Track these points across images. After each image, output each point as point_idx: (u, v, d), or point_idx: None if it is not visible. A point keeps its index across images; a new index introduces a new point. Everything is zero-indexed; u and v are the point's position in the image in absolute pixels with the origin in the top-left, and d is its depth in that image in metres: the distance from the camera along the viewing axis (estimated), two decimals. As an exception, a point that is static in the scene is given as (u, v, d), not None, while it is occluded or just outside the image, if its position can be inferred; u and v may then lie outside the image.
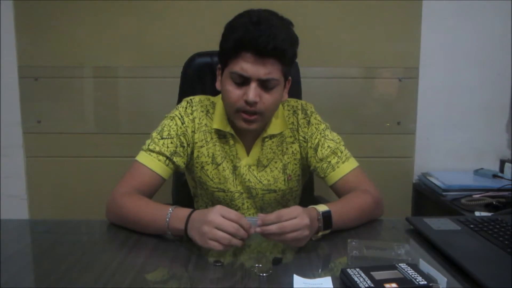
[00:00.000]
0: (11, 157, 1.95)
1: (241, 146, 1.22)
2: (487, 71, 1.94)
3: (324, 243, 0.98)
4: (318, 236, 0.97)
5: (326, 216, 0.97)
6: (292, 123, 1.26)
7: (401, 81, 1.95)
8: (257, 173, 1.24)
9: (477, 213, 1.46)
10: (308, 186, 1.53)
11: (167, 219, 0.96)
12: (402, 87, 1.96)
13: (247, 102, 1.08)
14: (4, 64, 1.90)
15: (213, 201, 1.27)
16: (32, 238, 1.08)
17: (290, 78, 1.19)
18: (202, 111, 1.22)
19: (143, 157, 1.15)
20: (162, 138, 1.17)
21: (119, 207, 1.06)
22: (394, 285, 0.73)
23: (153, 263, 0.90)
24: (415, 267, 0.79)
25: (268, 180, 1.24)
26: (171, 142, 1.17)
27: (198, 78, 1.49)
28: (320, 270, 0.87)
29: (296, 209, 0.91)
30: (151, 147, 1.16)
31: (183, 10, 1.88)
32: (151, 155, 1.15)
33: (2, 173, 1.96)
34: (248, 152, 1.23)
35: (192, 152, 1.23)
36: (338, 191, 1.20)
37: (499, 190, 1.66)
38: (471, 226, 1.04)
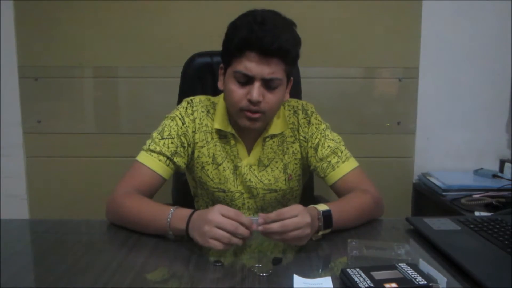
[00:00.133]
0: (11, 157, 1.96)
1: (242, 146, 1.22)
2: (487, 71, 1.95)
3: (324, 243, 0.98)
4: (318, 236, 0.98)
5: (326, 215, 0.97)
6: (293, 123, 1.26)
7: (401, 81, 1.95)
8: (258, 173, 1.24)
9: (477, 213, 1.46)
10: (308, 186, 1.53)
11: (169, 219, 0.96)
12: (402, 87, 1.96)
13: (250, 102, 1.09)
14: (4, 64, 1.90)
15: (214, 201, 1.27)
16: (32, 238, 1.08)
17: (292, 78, 1.19)
18: (203, 112, 1.23)
19: (143, 157, 1.15)
20: (162, 138, 1.17)
21: (119, 207, 1.06)
22: (394, 285, 0.73)
23: (153, 263, 0.90)
24: (415, 267, 0.79)
25: (269, 180, 1.24)
26: (172, 142, 1.17)
27: (198, 78, 1.49)
28: (320, 270, 0.87)
29: (297, 208, 0.91)
30: (151, 147, 1.16)
31: (183, 10, 1.88)
32: (152, 155, 1.15)
33: (2, 173, 1.96)
34: (249, 152, 1.23)
35: (192, 152, 1.23)
36: (338, 191, 1.20)
37: (499, 190, 1.66)
38: (471, 226, 1.04)
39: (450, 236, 0.98)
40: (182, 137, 1.19)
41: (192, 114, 1.22)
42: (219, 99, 1.24)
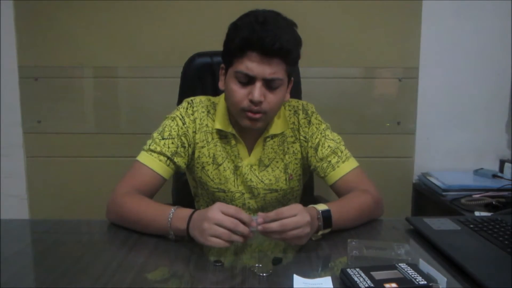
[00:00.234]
0: (11, 157, 1.95)
1: (243, 146, 1.23)
2: (487, 71, 1.95)
3: (324, 243, 0.98)
4: (318, 236, 0.98)
5: (326, 215, 0.97)
6: (293, 123, 1.26)
7: (401, 81, 1.95)
8: (258, 173, 1.24)
9: (477, 213, 1.46)
10: (308, 186, 1.53)
11: (169, 219, 0.96)
12: (402, 87, 1.96)
13: (252, 102, 1.09)
14: (4, 64, 1.90)
15: (214, 201, 1.26)
16: (32, 238, 1.08)
17: (292, 78, 1.19)
18: (203, 112, 1.23)
19: (144, 157, 1.15)
20: (163, 139, 1.17)
21: (119, 206, 1.06)
22: (394, 285, 0.73)
23: (153, 263, 0.90)
24: (415, 267, 0.79)
25: (270, 180, 1.24)
26: (172, 143, 1.17)
27: (198, 78, 1.49)
28: (320, 270, 0.87)
29: (296, 207, 0.91)
30: (152, 147, 1.16)
31: (183, 10, 1.88)
32: (152, 155, 1.15)
33: (2, 173, 1.96)
34: (249, 152, 1.23)
35: (193, 153, 1.23)
36: (338, 190, 1.20)
37: (499, 190, 1.66)
38: (471, 226, 1.04)
39: (450, 236, 0.98)
40: (182, 137, 1.19)
41: (192, 115, 1.22)
42: (220, 99, 1.24)
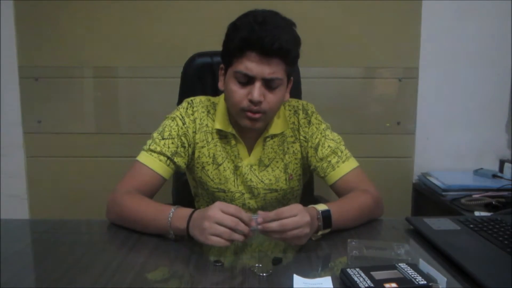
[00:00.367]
0: (11, 157, 1.95)
1: (242, 146, 1.23)
2: (487, 71, 1.95)
3: (324, 243, 0.98)
4: (318, 236, 0.98)
5: (326, 215, 0.97)
6: (293, 123, 1.26)
7: (401, 81, 1.95)
8: (258, 173, 1.24)
9: (477, 213, 1.46)
10: (308, 186, 1.53)
11: (169, 219, 0.96)
12: (402, 87, 1.96)
13: (251, 102, 1.09)
14: (4, 64, 1.90)
15: (214, 201, 1.24)
16: (32, 238, 1.08)
17: (292, 78, 1.19)
18: (203, 112, 1.23)
19: (144, 157, 1.15)
20: (163, 139, 1.17)
21: (120, 206, 1.06)
22: (394, 285, 0.73)
23: (153, 263, 0.90)
24: (415, 267, 0.79)
25: (270, 180, 1.24)
26: (172, 143, 1.18)
27: (198, 78, 1.49)
28: (320, 270, 0.87)
29: (296, 207, 0.91)
30: (152, 147, 1.16)
31: (183, 10, 1.88)
32: (152, 155, 1.15)
33: (2, 173, 1.96)
34: (249, 152, 1.23)
35: (193, 153, 1.23)
36: (338, 190, 1.20)
37: (498, 190, 1.66)
38: (471, 226, 1.04)
39: (450, 236, 0.98)
40: (182, 137, 1.19)
41: (192, 115, 1.22)
42: (220, 100, 1.24)
